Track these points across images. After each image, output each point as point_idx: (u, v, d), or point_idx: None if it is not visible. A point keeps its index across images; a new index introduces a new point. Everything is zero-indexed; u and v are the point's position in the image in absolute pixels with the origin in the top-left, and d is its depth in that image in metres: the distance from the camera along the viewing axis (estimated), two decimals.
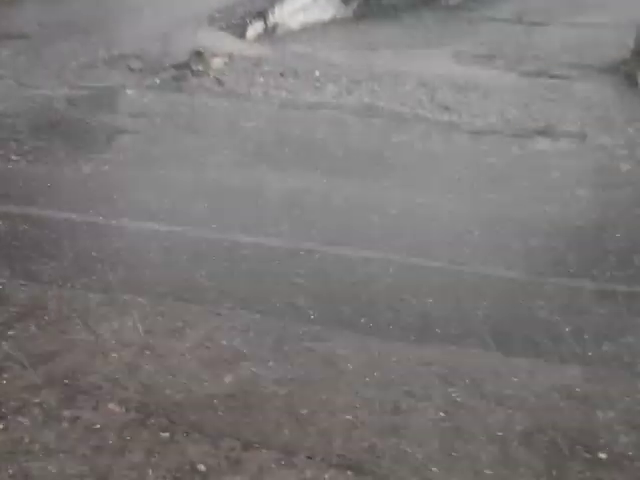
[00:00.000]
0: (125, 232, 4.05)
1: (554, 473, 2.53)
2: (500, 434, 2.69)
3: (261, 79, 6.50)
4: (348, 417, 2.71)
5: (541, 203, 4.71)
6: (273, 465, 2.47)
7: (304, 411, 2.72)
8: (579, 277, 3.93)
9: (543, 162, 5.49)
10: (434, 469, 2.51)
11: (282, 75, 6.58)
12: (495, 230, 4.32)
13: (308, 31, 8.09)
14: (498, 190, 4.81)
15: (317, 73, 6.67)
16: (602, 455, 2.62)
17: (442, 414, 2.77)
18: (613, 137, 6.12)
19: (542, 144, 5.82)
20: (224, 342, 3.10)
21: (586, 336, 3.38)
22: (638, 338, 3.37)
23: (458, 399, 2.86)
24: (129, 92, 6.11)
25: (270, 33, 7.91)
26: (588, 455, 2.62)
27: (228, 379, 2.88)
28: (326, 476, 2.43)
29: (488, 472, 2.52)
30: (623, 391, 3.00)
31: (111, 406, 2.73)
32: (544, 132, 5.93)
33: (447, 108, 6.13)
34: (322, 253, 3.91)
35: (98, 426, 2.62)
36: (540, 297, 3.73)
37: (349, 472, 2.45)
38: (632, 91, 6.99)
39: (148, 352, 3.03)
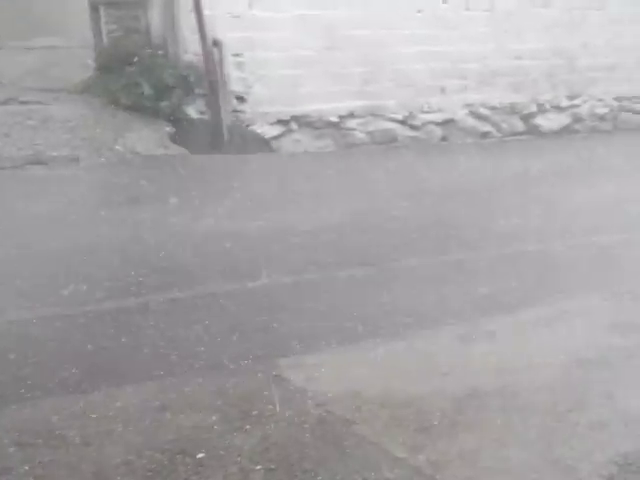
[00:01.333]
0: None
1: None
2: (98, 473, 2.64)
3: None
4: None
5: (85, 231, 4.75)
6: None
7: None
8: (118, 297, 4.12)
9: (43, 190, 5.49)
10: None
11: None
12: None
13: None
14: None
15: None
16: (201, 455, 2.82)
17: None
18: (104, 156, 6.46)
19: (36, 172, 5.81)
20: None
21: (147, 350, 3.58)
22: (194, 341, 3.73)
23: (46, 459, 2.69)
24: None
25: None
26: (189, 459, 2.77)
27: None
28: None
29: None
30: (193, 394, 3.28)
31: None
32: (35, 160, 5.91)
33: None
34: None
35: None
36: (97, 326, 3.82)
37: None
38: (106, 109, 7.47)
39: None
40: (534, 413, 3.13)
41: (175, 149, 6.94)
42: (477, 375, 3.45)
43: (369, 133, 8.79)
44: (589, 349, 3.69)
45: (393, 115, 8.97)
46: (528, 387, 3.33)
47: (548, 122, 10.14)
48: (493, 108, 9.68)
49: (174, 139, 7.16)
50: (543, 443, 2.93)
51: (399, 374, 3.48)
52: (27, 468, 2.62)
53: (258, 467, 2.74)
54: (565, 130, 10.27)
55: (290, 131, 8.34)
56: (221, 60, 7.73)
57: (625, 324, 3.97)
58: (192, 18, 7.65)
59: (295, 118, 8.36)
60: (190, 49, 7.82)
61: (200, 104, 7.69)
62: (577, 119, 10.44)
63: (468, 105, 9.48)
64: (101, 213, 5.26)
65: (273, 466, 2.74)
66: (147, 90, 7.21)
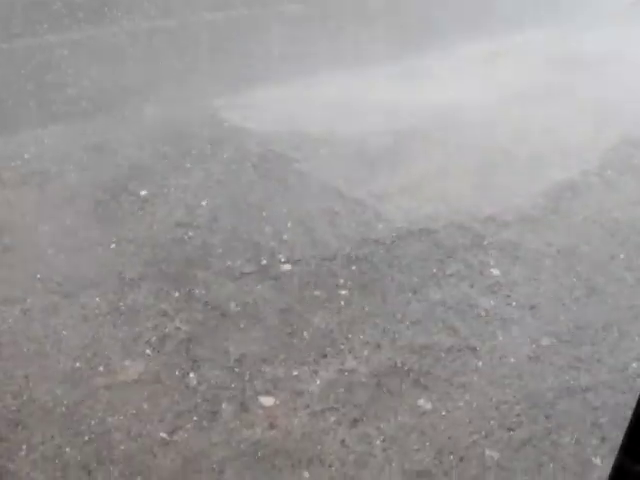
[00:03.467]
0: None
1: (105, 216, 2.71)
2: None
3: None
4: None
5: None
6: None
7: None
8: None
9: None
10: None
11: None
12: None
13: None
14: None
15: None
16: (144, 192, 2.91)
17: None
18: None
19: None
20: None
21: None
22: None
23: None
24: None
25: None
26: (133, 197, 2.86)
27: None
28: None
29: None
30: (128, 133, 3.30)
31: None
32: None
33: None
34: None
35: None
36: None
37: None
38: None
39: None
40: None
41: None
42: (417, 112, 3.58)
43: None
44: None
45: None
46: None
47: None
48: None
49: None
50: (483, 174, 3.15)
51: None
52: None
53: (203, 203, 2.86)
54: None
55: None
56: None
57: None
58: None
59: None
60: None
61: None
62: None
63: None
64: None
65: (218, 201, 2.87)
66: None
